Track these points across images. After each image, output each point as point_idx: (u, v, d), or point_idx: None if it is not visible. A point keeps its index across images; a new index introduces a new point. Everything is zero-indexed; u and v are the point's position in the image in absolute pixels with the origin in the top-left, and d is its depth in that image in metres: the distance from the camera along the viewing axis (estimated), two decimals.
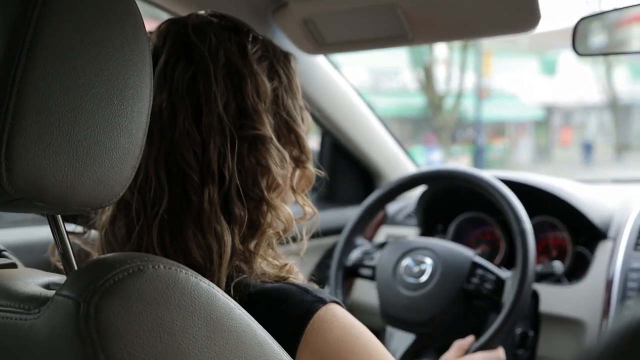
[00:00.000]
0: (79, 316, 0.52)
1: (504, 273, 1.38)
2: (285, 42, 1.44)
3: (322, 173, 0.94)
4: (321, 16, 1.34)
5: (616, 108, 19.43)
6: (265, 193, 0.81)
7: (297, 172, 0.90)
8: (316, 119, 1.86)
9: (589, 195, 1.65)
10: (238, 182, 0.80)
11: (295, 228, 0.87)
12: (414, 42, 1.36)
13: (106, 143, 0.59)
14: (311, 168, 0.91)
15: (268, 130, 0.82)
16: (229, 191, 0.79)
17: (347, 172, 2.11)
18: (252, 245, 0.81)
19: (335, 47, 1.46)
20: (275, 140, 0.83)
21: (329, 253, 1.86)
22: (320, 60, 1.75)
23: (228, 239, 0.78)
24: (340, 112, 1.88)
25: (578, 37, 1.25)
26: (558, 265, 1.44)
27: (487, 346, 1.27)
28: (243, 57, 0.83)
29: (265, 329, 0.64)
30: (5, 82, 0.54)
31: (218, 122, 0.79)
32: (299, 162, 0.89)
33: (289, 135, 0.88)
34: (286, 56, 0.91)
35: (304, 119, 0.91)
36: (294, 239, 0.90)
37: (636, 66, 19.71)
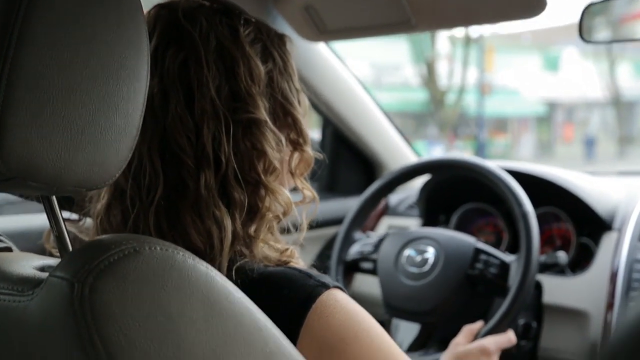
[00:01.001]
0: (73, 297, 0.52)
1: (508, 257, 1.37)
2: (286, 29, 1.43)
3: (321, 156, 0.93)
4: (323, 2, 1.32)
5: (619, 104, 19.41)
6: (262, 177, 0.80)
7: (296, 156, 0.88)
8: (317, 108, 1.85)
9: (593, 186, 1.63)
10: (235, 166, 0.78)
11: (296, 214, 0.85)
12: (417, 28, 1.35)
13: (102, 123, 0.58)
14: (309, 151, 0.89)
15: (262, 113, 0.81)
16: (226, 175, 0.78)
17: (348, 162, 2.09)
18: (252, 229, 0.80)
19: (337, 34, 1.44)
20: (270, 123, 0.82)
21: (330, 244, 1.84)
22: (321, 48, 1.73)
23: (228, 223, 0.77)
24: (342, 101, 1.86)
25: (585, 24, 1.24)
26: (562, 256, 1.42)
27: (496, 329, 1.26)
28: (235, 40, 0.82)
29: (267, 313, 0.62)
30: None
31: (211, 107, 0.78)
32: (296, 145, 0.88)
33: (286, 118, 0.86)
34: (280, 38, 0.89)
35: (301, 102, 0.89)
36: (295, 227, 0.89)
37: None
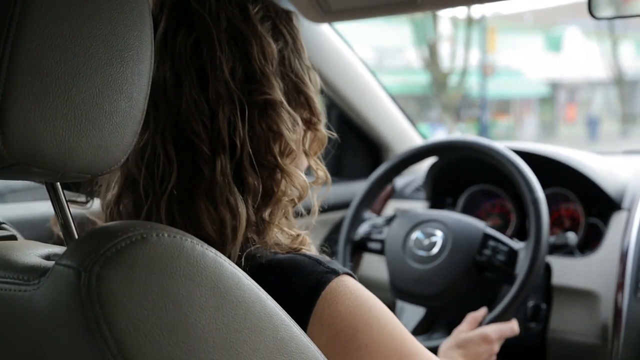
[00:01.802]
0: (80, 286, 0.50)
1: (517, 244, 1.36)
2: None
3: (334, 134, 0.91)
4: None
5: (622, 83, 19.33)
6: (279, 160, 0.78)
7: (309, 135, 0.86)
8: (322, 91, 1.82)
9: (601, 165, 1.61)
10: (250, 150, 0.77)
11: (309, 195, 0.84)
12: (422, 8, 1.31)
13: (106, 106, 0.57)
14: (323, 130, 0.87)
15: (278, 94, 0.79)
16: (241, 160, 0.76)
17: (354, 145, 2.08)
18: (266, 214, 0.79)
19: (341, 14, 1.41)
20: (286, 104, 0.80)
21: (336, 227, 1.83)
22: (326, 29, 1.70)
23: (242, 210, 0.75)
24: (347, 84, 1.84)
25: (593, 2, 1.22)
26: (572, 236, 1.41)
27: (501, 318, 1.25)
28: (245, 19, 0.80)
29: (276, 300, 0.61)
30: None
31: (225, 90, 0.76)
32: (310, 125, 0.86)
33: (299, 98, 0.84)
34: (288, 15, 0.87)
35: (312, 79, 0.87)
36: (307, 210, 0.87)
37: None
